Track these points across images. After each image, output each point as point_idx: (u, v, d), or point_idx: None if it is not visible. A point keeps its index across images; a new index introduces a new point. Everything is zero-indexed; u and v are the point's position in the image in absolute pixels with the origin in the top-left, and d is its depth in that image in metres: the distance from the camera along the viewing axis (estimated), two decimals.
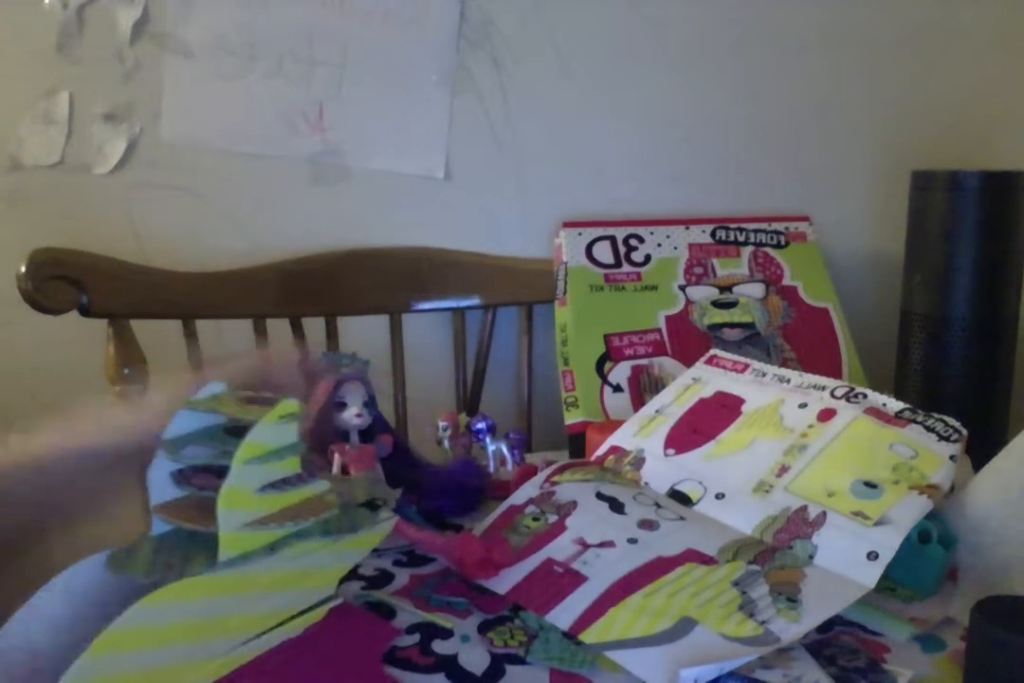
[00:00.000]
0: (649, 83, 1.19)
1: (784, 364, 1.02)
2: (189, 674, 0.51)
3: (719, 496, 0.73)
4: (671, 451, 0.80)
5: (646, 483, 0.78)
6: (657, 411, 0.85)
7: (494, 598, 0.65)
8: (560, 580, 0.64)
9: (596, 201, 1.20)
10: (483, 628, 0.62)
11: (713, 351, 0.91)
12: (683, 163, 1.21)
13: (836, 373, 1.05)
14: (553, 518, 0.71)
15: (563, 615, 0.61)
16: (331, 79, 1.14)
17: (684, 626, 0.59)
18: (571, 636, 0.60)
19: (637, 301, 1.06)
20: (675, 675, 0.54)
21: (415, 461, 0.87)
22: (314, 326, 1.13)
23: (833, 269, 1.14)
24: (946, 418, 0.73)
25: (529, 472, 0.82)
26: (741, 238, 1.13)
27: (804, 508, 0.68)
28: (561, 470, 0.80)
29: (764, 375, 0.84)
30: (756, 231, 1.13)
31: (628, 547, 0.67)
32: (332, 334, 1.14)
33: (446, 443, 0.93)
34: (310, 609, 0.58)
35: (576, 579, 0.64)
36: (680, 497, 0.75)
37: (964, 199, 0.94)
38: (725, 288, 1.09)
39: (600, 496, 0.74)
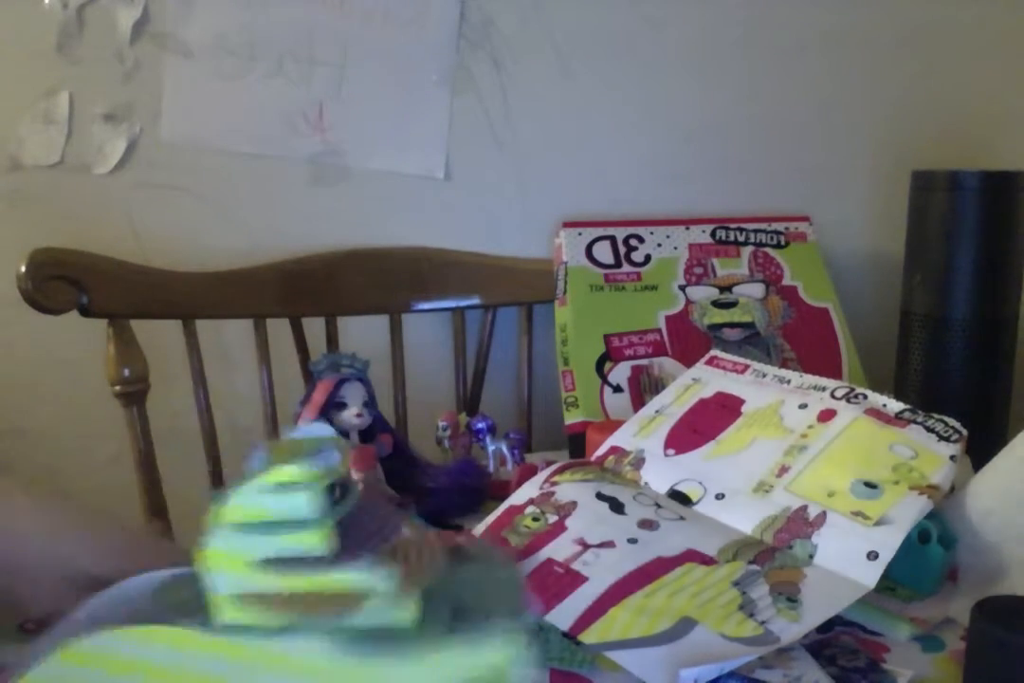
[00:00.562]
0: (649, 83, 1.19)
1: (784, 364, 1.02)
2: None
3: (719, 496, 0.73)
4: (671, 451, 0.80)
5: (646, 483, 0.78)
6: (657, 411, 0.85)
7: None
8: (560, 580, 0.64)
9: (596, 201, 1.20)
10: None
11: (713, 352, 0.91)
12: (683, 163, 1.21)
13: (836, 373, 1.05)
14: (553, 518, 0.71)
15: (563, 615, 0.61)
16: (331, 79, 1.14)
17: (684, 626, 0.59)
18: (571, 636, 0.60)
19: (637, 301, 1.06)
20: (675, 675, 0.54)
21: (415, 461, 0.87)
22: (314, 326, 1.13)
23: (833, 269, 1.14)
24: (946, 418, 0.73)
25: (529, 472, 0.82)
26: (741, 238, 1.13)
27: (804, 508, 0.68)
28: (561, 470, 0.80)
29: (764, 376, 0.84)
30: (756, 231, 1.13)
31: (628, 547, 0.67)
32: (332, 334, 1.14)
33: (446, 443, 0.93)
34: None
35: (576, 579, 0.64)
36: (680, 497, 0.75)
37: (964, 199, 0.94)
38: (725, 288, 1.09)
39: (600, 496, 0.74)
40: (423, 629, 0.44)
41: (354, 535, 0.46)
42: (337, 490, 0.46)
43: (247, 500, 0.45)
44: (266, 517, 0.44)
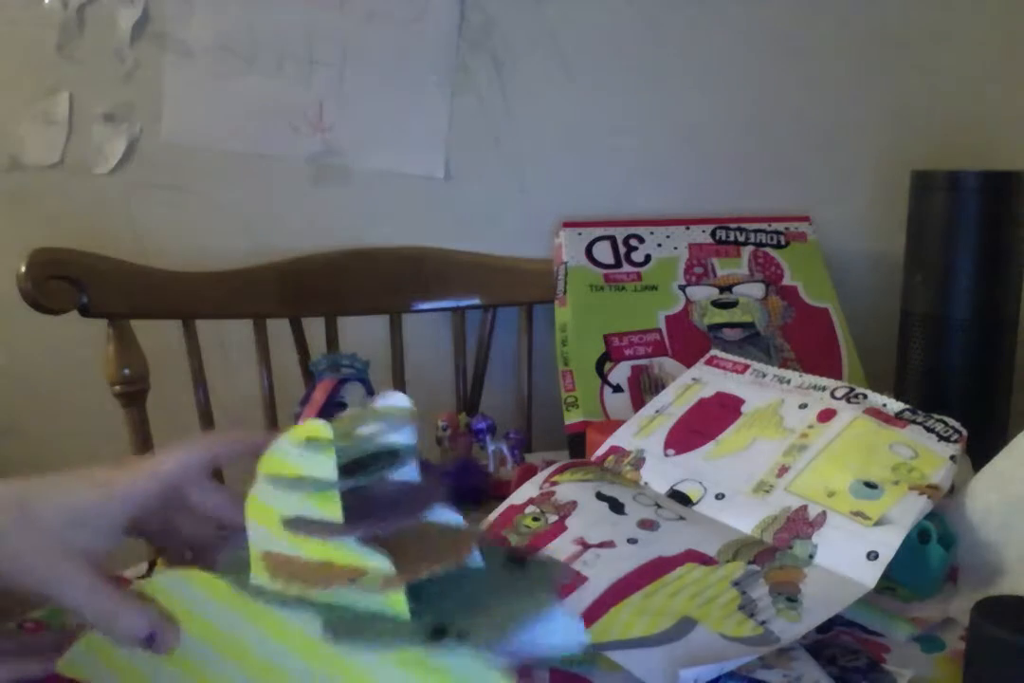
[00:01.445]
0: (649, 83, 1.19)
1: (784, 364, 1.02)
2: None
3: (719, 496, 0.73)
4: (671, 451, 0.80)
5: (646, 483, 0.78)
6: (657, 411, 0.85)
7: None
8: None
9: (596, 201, 1.20)
10: None
11: (713, 352, 0.91)
12: (683, 163, 1.21)
13: (836, 373, 1.04)
14: (553, 518, 0.71)
15: None
16: (331, 79, 1.14)
17: (684, 626, 0.59)
18: None
19: (637, 301, 1.06)
20: (675, 675, 0.54)
21: None
22: (314, 326, 1.13)
23: (833, 269, 1.14)
24: (946, 418, 0.73)
25: (529, 472, 0.82)
26: (741, 238, 1.13)
27: (804, 508, 0.68)
28: (561, 470, 0.80)
29: (764, 376, 0.84)
30: (756, 231, 1.13)
31: (628, 547, 0.67)
32: (332, 334, 1.14)
33: (446, 443, 0.93)
34: None
35: (576, 579, 0.64)
36: (680, 497, 0.75)
37: (964, 199, 0.94)
38: (725, 288, 1.09)
39: (600, 496, 0.74)
40: (406, 626, 0.43)
41: (365, 509, 0.45)
42: (383, 461, 0.46)
43: (279, 451, 0.45)
44: (291, 471, 0.44)
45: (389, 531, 0.45)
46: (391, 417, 0.47)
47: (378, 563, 0.43)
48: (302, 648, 0.45)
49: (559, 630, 0.47)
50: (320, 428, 0.43)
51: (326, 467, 0.43)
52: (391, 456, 0.47)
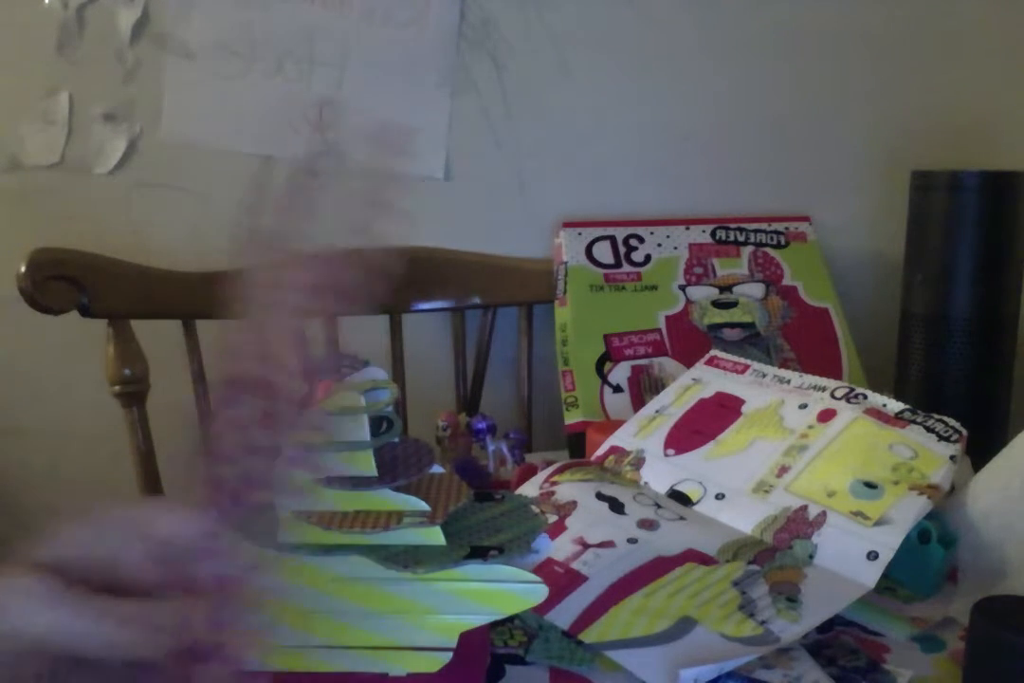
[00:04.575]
0: (649, 83, 1.19)
1: (784, 364, 1.02)
2: None
3: (719, 496, 0.73)
4: (671, 451, 0.80)
5: (646, 483, 0.78)
6: (657, 411, 0.85)
7: None
8: (560, 580, 0.64)
9: (596, 201, 1.20)
10: None
11: (713, 352, 0.91)
12: (683, 163, 1.21)
13: (836, 373, 1.05)
14: (553, 518, 0.71)
15: (563, 615, 0.61)
16: (331, 79, 1.14)
17: (684, 626, 0.59)
18: (571, 635, 0.60)
19: (637, 301, 1.06)
20: (675, 675, 0.54)
21: None
22: (314, 326, 1.13)
23: (833, 269, 1.14)
24: (946, 418, 0.73)
25: (529, 472, 0.82)
26: (741, 238, 1.13)
27: (804, 508, 0.68)
28: (561, 470, 0.80)
29: (764, 376, 0.84)
30: (756, 231, 1.13)
31: (628, 547, 0.67)
32: (332, 334, 1.13)
33: (446, 443, 0.93)
34: (413, 650, 0.52)
35: (576, 579, 0.64)
36: (680, 497, 0.75)
37: (964, 199, 0.94)
38: (725, 288, 1.09)
39: (600, 496, 0.74)
40: (446, 552, 0.51)
41: (392, 463, 0.53)
42: (384, 424, 0.52)
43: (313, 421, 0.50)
44: (325, 438, 0.50)
45: (411, 481, 0.52)
46: (383, 388, 0.54)
47: (416, 505, 0.51)
48: (335, 588, 0.52)
49: (546, 543, 0.55)
50: (357, 398, 0.50)
51: (361, 430, 0.50)
52: (386, 421, 0.53)
